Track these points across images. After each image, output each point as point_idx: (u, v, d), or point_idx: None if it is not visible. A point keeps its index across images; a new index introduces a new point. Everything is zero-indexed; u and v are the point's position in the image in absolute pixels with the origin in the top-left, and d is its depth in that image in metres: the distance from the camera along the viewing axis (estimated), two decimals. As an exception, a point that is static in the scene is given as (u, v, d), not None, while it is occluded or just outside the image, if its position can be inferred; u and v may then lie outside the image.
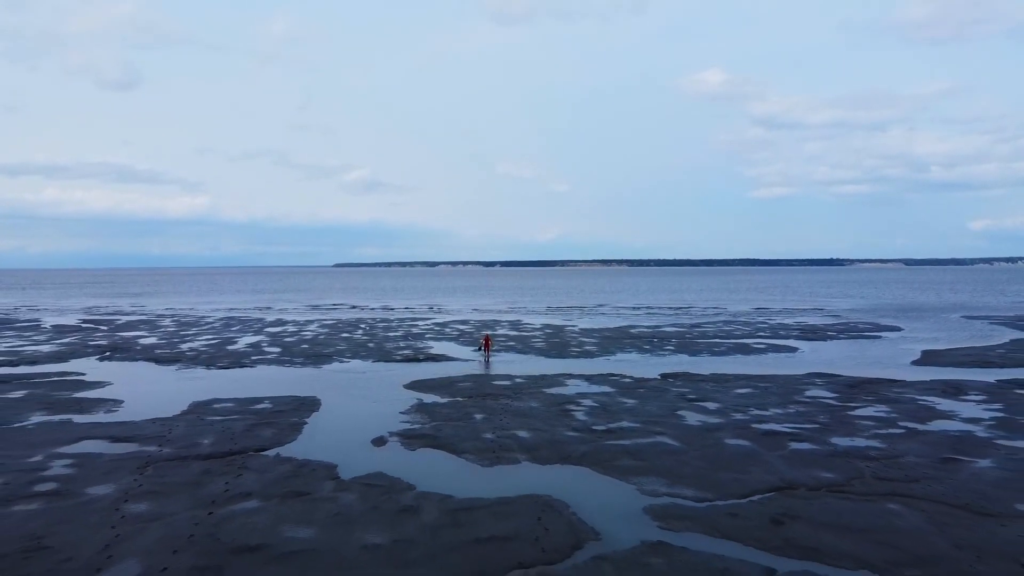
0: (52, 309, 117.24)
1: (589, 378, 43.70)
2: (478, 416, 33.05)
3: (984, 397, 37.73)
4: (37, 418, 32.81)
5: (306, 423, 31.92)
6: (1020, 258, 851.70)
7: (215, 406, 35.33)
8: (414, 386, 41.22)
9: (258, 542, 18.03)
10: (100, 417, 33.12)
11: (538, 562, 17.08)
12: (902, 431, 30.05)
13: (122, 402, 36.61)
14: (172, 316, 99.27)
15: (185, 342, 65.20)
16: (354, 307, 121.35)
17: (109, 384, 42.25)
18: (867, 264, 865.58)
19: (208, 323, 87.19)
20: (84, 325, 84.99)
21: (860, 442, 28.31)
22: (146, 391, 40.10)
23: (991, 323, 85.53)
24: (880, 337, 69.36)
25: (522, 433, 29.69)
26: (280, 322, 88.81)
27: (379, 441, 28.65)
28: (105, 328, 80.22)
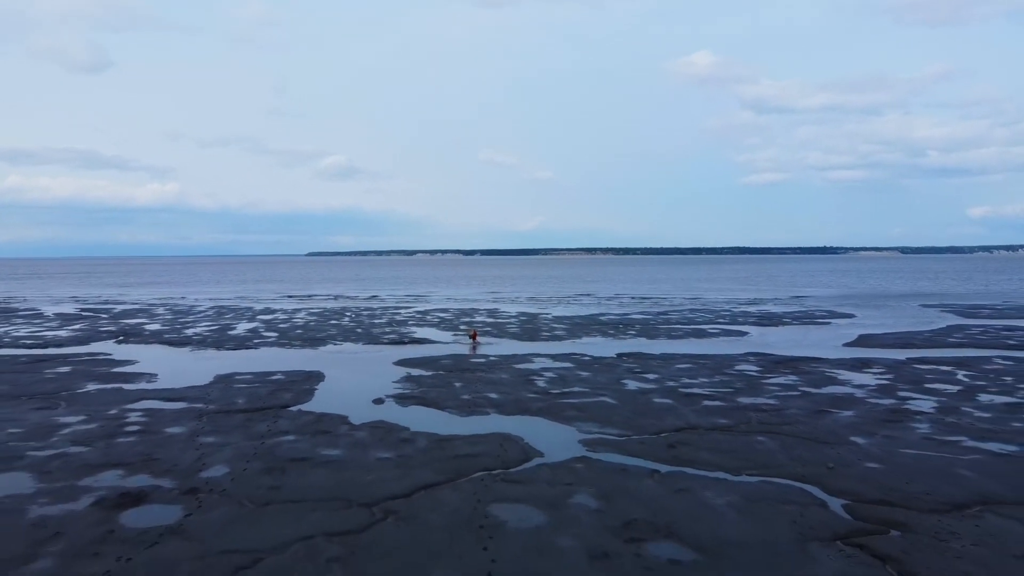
0: (43, 299, 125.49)
1: (554, 357, 52.87)
2: (457, 384, 42.20)
3: (883, 370, 47.08)
4: (93, 386, 41.73)
5: (316, 389, 41.00)
6: (1021, 246, 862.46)
7: (237, 378, 44.31)
8: (403, 363, 50.28)
9: (304, 456, 27.17)
10: (145, 385, 42.09)
11: (498, 467, 26.18)
12: (798, 394, 39.36)
13: (156, 375, 45.52)
14: (163, 305, 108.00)
15: (188, 328, 74.15)
16: (337, 297, 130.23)
17: (137, 362, 51.10)
18: (863, 252, 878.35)
19: (201, 312, 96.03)
20: (84, 313, 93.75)
21: (760, 400, 37.56)
22: (173, 367, 49.01)
23: (942, 310, 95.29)
24: (829, 323, 78.94)
25: (492, 395, 38.93)
26: (269, 311, 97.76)
27: (378, 401, 37.76)
28: (106, 316, 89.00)
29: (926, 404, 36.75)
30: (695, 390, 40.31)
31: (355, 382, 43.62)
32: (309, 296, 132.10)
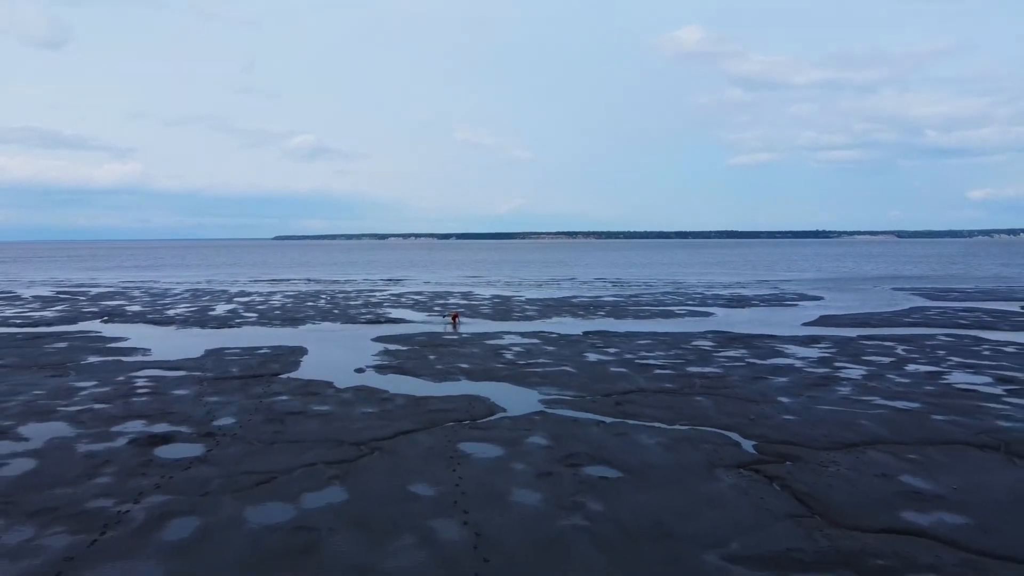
0: (14, 282, 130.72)
1: (523, 334, 58.98)
2: (431, 357, 48.23)
3: (829, 345, 53.37)
4: (94, 359, 47.46)
5: (302, 361, 46.92)
6: (1022, 230, 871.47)
7: (226, 351, 50.17)
8: (380, 339, 56.26)
9: (298, 410, 33.13)
10: (142, 358, 47.85)
11: (466, 419, 32.19)
12: (743, 364, 45.55)
13: (150, 350, 51.27)
14: (138, 288, 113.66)
15: (168, 309, 79.99)
16: (310, 280, 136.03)
17: (128, 339, 56.83)
18: (858, 236, 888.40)
19: (177, 294, 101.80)
20: (62, 296, 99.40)
21: (707, 370, 43.72)
22: (163, 343, 54.73)
23: (911, 293, 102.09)
24: (796, 305, 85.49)
25: (463, 365, 45.01)
26: (245, 293, 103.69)
27: (359, 370, 43.69)
28: (84, 298, 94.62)
29: (855, 372, 42.92)
30: (650, 361, 46.43)
31: (336, 355, 49.53)
32: (282, 280, 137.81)
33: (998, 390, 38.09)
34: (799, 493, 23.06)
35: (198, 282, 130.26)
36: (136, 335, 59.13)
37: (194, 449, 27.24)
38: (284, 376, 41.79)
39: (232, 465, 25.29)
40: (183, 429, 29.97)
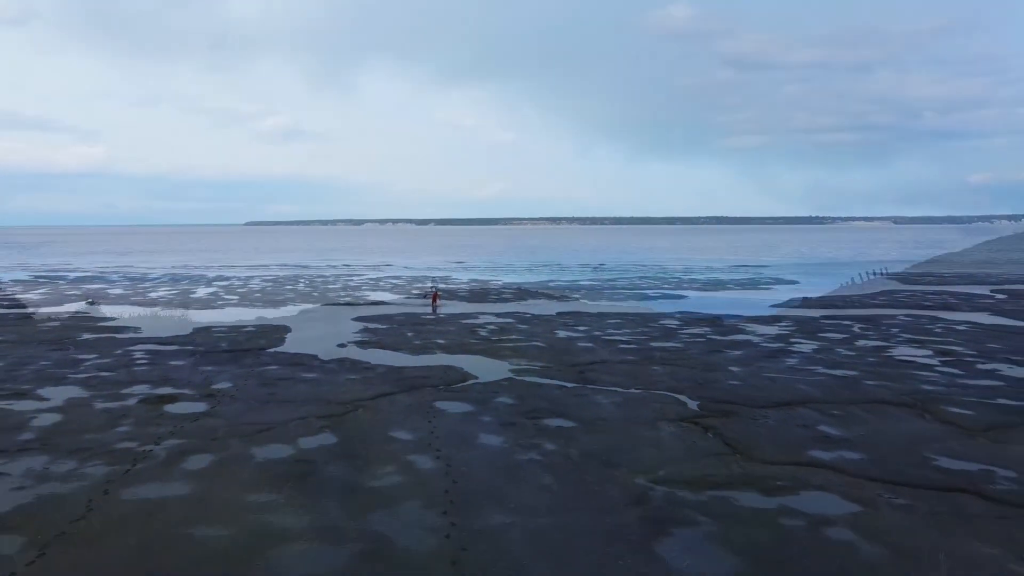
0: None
1: (498, 314, 63.93)
2: (410, 333, 53.11)
3: (789, 323, 58.46)
4: (89, 335, 51.98)
5: (286, 337, 51.66)
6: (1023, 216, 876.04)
7: (213, 329, 54.88)
8: (360, 319, 61.07)
9: (288, 377, 37.95)
10: (134, 335, 52.39)
11: (442, 384, 37.05)
12: (703, 340, 50.55)
13: (140, 328, 55.82)
14: (116, 273, 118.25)
15: (149, 292, 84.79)
16: (286, 265, 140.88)
17: (116, 318, 61.42)
18: (854, 223, 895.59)
19: (156, 279, 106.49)
20: (41, 280, 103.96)
21: (669, 345, 48.70)
22: (152, 322, 59.35)
23: (888, 278, 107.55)
24: (770, 288, 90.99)
25: (440, 340, 49.91)
26: (223, 277, 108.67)
27: (341, 345, 48.47)
28: (64, 282, 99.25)
29: (808, 347, 47.88)
30: (616, 337, 51.37)
31: (319, 332, 54.27)
32: (259, 265, 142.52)
33: (934, 361, 43.19)
34: (727, 439, 27.99)
35: (174, 267, 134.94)
36: (124, 315, 63.75)
37: (199, 406, 31.99)
38: (271, 350, 46.51)
39: (234, 418, 30.08)
40: (186, 391, 34.73)
